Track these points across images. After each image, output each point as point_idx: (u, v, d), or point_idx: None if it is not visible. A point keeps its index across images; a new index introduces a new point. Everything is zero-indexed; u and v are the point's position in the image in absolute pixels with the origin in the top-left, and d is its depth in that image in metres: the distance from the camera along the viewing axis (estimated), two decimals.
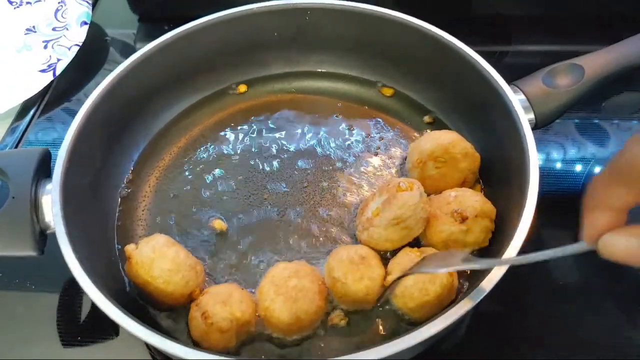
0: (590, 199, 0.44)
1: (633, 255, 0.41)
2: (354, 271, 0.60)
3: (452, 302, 0.59)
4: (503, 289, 0.66)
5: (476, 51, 0.74)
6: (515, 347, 0.65)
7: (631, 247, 0.41)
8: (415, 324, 0.59)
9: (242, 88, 0.88)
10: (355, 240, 0.69)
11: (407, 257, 0.62)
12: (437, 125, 0.82)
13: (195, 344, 0.59)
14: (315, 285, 0.60)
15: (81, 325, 0.68)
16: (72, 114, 0.69)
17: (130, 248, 0.62)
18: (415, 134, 0.81)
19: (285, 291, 0.59)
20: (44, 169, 0.64)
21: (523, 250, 0.55)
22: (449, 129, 0.79)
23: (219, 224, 0.71)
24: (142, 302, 0.64)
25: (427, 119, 0.83)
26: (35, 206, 0.61)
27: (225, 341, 0.57)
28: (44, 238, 0.62)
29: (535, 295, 0.69)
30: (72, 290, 0.69)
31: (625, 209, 0.42)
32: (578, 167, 0.81)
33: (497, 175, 0.71)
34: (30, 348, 0.66)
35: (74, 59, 0.97)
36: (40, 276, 0.71)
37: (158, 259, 0.61)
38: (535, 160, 0.62)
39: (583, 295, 0.69)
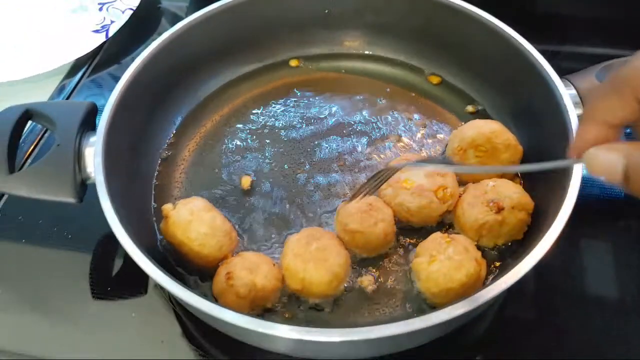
0: (587, 111, 0.41)
1: (611, 172, 0.38)
2: (367, 218, 0.62)
3: None
4: (531, 295, 0.66)
5: (536, 48, 0.71)
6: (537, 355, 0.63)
7: (611, 162, 0.38)
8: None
9: (294, 62, 0.89)
10: None
11: (435, 242, 0.61)
12: (481, 115, 0.80)
13: (214, 299, 0.60)
14: (333, 240, 0.62)
15: (112, 279, 0.69)
16: (119, 78, 0.70)
17: (168, 207, 0.64)
18: (459, 123, 0.79)
19: (312, 256, 0.59)
20: (89, 122, 0.66)
21: (554, 250, 0.53)
22: (493, 119, 0.77)
23: (246, 180, 0.73)
24: (172, 262, 0.65)
25: (470, 108, 0.81)
26: (79, 156, 0.63)
27: (238, 306, 0.58)
28: (84, 187, 0.63)
29: (564, 304, 0.66)
30: (107, 243, 0.71)
31: (620, 125, 0.40)
32: None
33: None
34: (61, 297, 0.67)
35: (126, 23, 0.99)
36: (78, 226, 0.73)
37: (195, 222, 0.62)
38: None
39: (614, 307, 0.66)
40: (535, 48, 0.71)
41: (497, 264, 0.65)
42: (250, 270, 0.59)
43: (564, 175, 0.59)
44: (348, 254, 0.62)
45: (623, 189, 0.38)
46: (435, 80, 0.85)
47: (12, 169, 0.62)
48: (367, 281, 0.63)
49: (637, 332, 0.64)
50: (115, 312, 0.66)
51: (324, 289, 0.60)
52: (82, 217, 0.72)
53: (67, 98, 0.91)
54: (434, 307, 0.60)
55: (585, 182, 0.59)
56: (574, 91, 0.68)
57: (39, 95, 0.91)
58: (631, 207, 0.74)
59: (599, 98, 0.41)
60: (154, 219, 0.70)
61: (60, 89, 0.93)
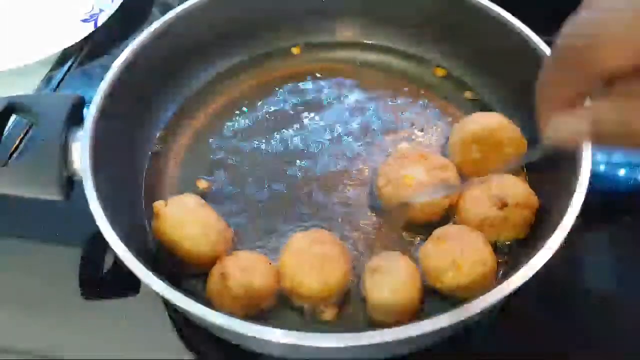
0: (537, 93, 0.40)
1: (578, 132, 0.37)
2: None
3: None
4: (533, 292, 0.62)
5: (542, 39, 0.69)
6: (540, 353, 0.62)
7: (576, 122, 0.37)
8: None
9: (294, 51, 0.86)
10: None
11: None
12: (483, 106, 0.78)
13: (208, 301, 0.58)
14: (337, 249, 0.59)
15: (103, 279, 0.67)
16: (109, 68, 0.67)
17: (159, 205, 0.61)
18: (461, 116, 0.77)
19: (309, 259, 0.57)
20: (76, 115, 0.63)
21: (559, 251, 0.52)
22: (496, 111, 0.76)
23: (201, 183, 0.70)
24: (163, 261, 0.63)
25: (468, 94, 0.80)
26: (65, 151, 0.60)
27: (234, 308, 0.56)
28: (70, 184, 0.61)
29: (568, 299, 0.65)
30: (96, 241, 0.67)
31: (578, 100, 0.37)
32: (623, 172, 0.76)
33: (544, 165, 0.66)
34: (49, 297, 0.65)
35: (117, 13, 0.96)
36: (67, 224, 0.70)
37: (188, 220, 0.59)
38: (588, 153, 0.59)
39: (619, 303, 0.65)
40: (541, 38, 0.69)
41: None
42: (245, 269, 0.57)
43: (571, 174, 0.58)
44: (349, 269, 0.60)
45: (596, 145, 0.37)
46: (441, 73, 0.83)
47: None
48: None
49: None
50: (106, 312, 0.64)
51: (312, 296, 0.57)
52: (71, 214, 0.69)
53: (55, 90, 0.88)
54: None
55: (592, 177, 0.58)
56: None
57: (25, 87, 0.88)
58: (635, 204, 0.73)
59: (546, 77, 0.39)
60: (145, 216, 0.67)
61: (47, 80, 0.90)
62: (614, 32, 0.33)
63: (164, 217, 0.60)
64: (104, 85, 0.64)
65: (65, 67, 0.91)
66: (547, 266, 0.51)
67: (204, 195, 0.68)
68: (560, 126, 0.38)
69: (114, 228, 0.53)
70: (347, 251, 0.61)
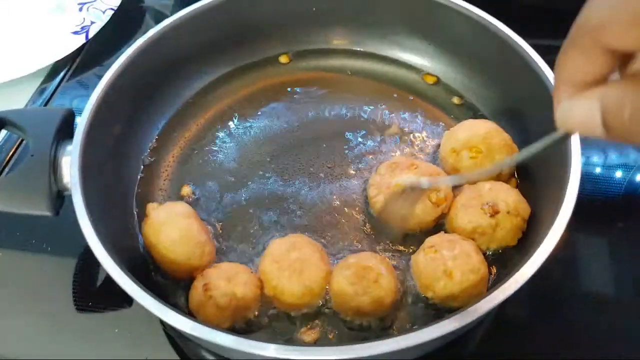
0: (555, 74, 0.37)
1: (589, 121, 0.33)
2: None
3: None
4: (530, 293, 0.64)
5: (529, 43, 0.70)
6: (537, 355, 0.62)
7: (587, 109, 0.33)
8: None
9: (284, 59, 0.86)
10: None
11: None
12: (472, 112, 0.78)
13: (191, 315, 0.58)
14: (316, 253, 0.59)
15: (97, 291, 0.67)
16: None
17: (150, 207, 0.63)
18: (452, 123, 0.77)
19: (289, 265, 0.57)
20: (66, 130, 0.63)
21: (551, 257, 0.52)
22: (486, 118, 0.76)
23: (185, 190, 0.71)
24: (155, 273, 0.63)
25: (456, 100, 0.80)
26: (54, 166, 0.60)
27: (220, 319, 0.56)
28: (60, 199, 0.61)
29: (564, 302, 0.65)
30: (90, 253, 0.68)
31: (595, 82, 0.34)
32: (618, 174, 0.76)
33: (535, 171, 0.67)
34: (43, 308, 0.65)
35: (108, 24, 0.96)
36: (57, 238, 0.70)
37: (169, 225, 0.60)
38: (577, 159, 0.58)
39: (615, 305, 0.65)
40: (528, 43, 0.69)
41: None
42: (228, 279, 0.57)
43: (562, 182, 0.57)
44: (329, 270, 0.60)
45: (606, 138, 0.34)
46: (431, 80, 0.83)
47: None
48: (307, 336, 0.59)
49: (637, 330, 0.63)
50: (100, 324, 0.64)
51: (295, 301, 0.57)
52: (65, 225, 0.68)
53: (47, 102, 0.88)
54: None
55: (583, 181, 0.57)
56: None
57: (17, 100, 0.88)
58: (629, 206, 0.74)
59: (561, 58, 0.35)
60: (136, 227, 0.67)
61: (39, 93, 0.90)
62: (623, 13, 0.31)
63: (151, 219, 0.61)
64: (93, 100, 0.64)
65: (57, 80, 0.91)
66: (541, 269, 0.51)
67: (190, 202, 0.69)
68: (570, 109, 0.35)
69: (103, 244, 0.53)
70: (325, 254, 0.61)
